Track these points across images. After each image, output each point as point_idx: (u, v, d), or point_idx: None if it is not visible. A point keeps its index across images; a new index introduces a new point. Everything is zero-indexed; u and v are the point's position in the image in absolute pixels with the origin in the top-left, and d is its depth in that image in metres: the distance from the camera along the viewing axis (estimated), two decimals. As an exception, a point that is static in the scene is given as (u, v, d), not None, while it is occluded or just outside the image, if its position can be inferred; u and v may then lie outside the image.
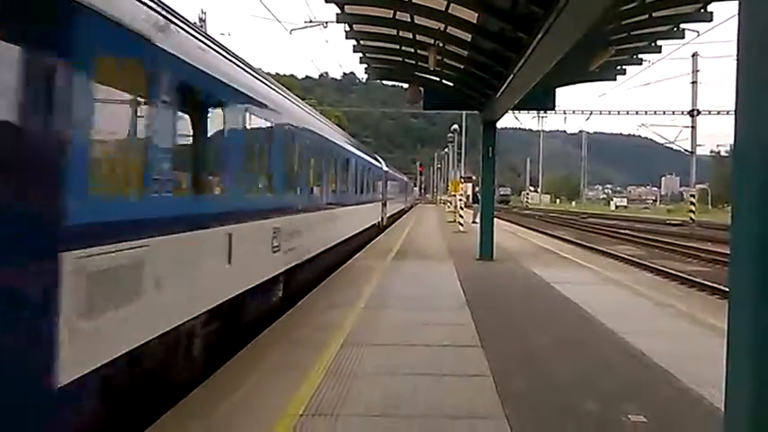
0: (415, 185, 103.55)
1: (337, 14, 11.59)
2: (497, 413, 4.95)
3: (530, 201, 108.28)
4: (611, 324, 8.37)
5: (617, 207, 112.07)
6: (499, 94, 13.08)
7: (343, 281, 12.14)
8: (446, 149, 69.94)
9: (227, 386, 5.49)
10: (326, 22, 23.52)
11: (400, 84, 19.59)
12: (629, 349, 7.12)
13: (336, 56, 28.72)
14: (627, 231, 35.01)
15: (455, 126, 47.01)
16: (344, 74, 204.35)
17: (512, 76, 11.24)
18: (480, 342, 7.27)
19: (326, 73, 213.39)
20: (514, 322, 8.53)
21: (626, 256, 20.95)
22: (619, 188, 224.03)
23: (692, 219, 42.02)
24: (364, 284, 11.49)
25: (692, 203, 45.73)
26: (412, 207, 66.88)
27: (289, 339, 7.26)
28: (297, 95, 12.53)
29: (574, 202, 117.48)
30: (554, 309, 9.67)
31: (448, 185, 52.52)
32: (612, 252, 22.39)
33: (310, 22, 23.97)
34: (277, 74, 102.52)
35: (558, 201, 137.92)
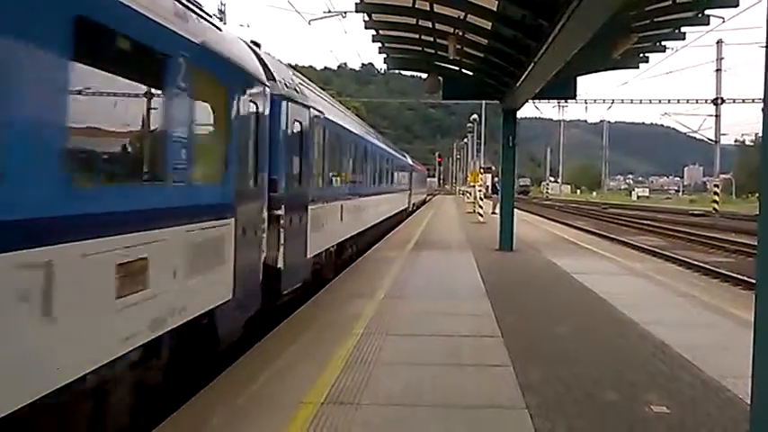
0: (433, 176, 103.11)
1: (356, 4, 11.56)
2: (518, 403, 4.94)
3: (550, 191, 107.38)
4: (632, 314, 8.31)
5: (639, 197, 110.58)
6: (519, 82, 12.96)
7: (364, 271, 12.18)
8: (465, 140, 69.60)
9: (249, 374, 5.55)
10: (345, 12, 23.38)
11: (419, 74, 19.51)
12: (651, 340, 7.05)
13: (355, 46, 28.70)
14: (649, 222, 34.57)
15: (474, 116, 46.80)
16: (363, 64, 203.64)
17: (532, 64, 11.13)
18: (500, 332, 7.26)
19: (345, 63, 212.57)
20: (534, 313, 8.49)
21: (648, 247, 20.72)
22: (641, 178, 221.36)
23: (715, 209, 41.49)
24: (384, 275, 11.52)
25: (715, 193, 45.13)
26: (424, 202, 56.71)
27: (309, 329, 7.32)
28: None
29: (595, 193, 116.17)
30: (574, 299, 9.61)
31: (467, 176, 52.26)
32: (634, 242, 22.15)
33: (329, 12, 23.89)
34: (296, 65, 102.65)
35: (578, 191, 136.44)
